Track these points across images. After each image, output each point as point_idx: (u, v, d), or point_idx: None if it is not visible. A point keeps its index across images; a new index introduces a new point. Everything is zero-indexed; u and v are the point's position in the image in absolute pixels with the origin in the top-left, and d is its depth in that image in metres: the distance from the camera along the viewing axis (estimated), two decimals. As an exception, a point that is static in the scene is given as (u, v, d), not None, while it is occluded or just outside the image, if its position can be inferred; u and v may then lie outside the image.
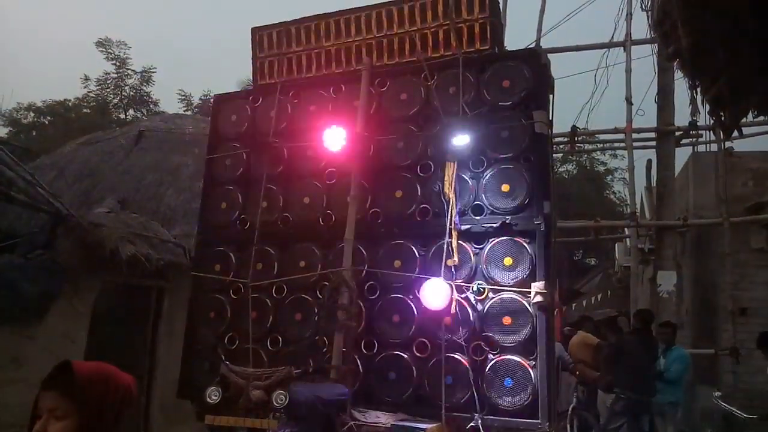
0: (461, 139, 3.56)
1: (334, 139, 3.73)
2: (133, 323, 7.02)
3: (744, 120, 3.49)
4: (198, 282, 4.22)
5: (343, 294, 3.48)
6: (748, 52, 2.62)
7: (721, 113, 3.26)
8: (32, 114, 23.15)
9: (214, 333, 4.01)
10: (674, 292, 9.28)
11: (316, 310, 3.75)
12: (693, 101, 3.52)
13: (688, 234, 10.58)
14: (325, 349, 3.55)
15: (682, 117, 9.51)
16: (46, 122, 22.86)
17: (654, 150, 10.17)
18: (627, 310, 10.58)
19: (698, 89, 3.29)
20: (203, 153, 4.83)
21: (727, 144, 10.31)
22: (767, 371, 6.69)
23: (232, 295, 4.06)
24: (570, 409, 7.61)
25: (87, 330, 6.10)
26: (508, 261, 3.43)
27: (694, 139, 10.60)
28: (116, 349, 6.31)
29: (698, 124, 9.28)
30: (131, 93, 23.50)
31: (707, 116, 3.56)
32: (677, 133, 9.88)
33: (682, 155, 11.52)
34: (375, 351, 3.60)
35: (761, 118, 3.65)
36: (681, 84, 8.86)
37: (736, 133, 3.64)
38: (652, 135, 10.14)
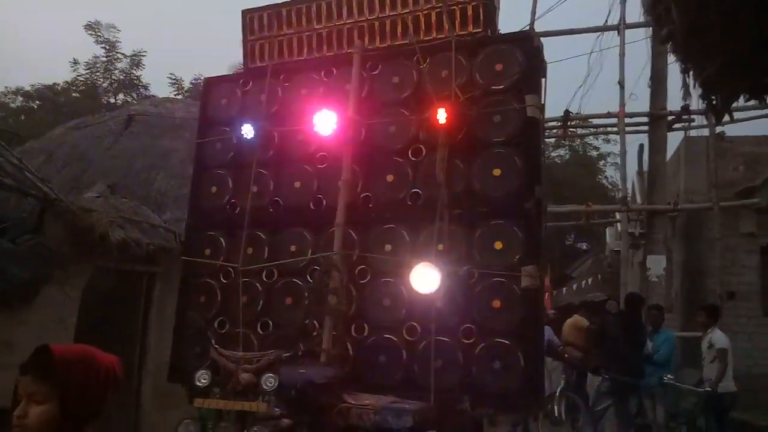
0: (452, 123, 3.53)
1: (326, 122, 3.70)
2: (123, 308, 7.00)
3: (735, 104, 3.49)
4: (188, 267, 4.20)
5: (334, 278, 3.48)
6: (741, 35, 2.61)
7: (713, 97, 3.26)
8: (20, 98, 22.86)
9: (204, 317, 4.00)
10: (664, 276, 9.37)
11: (306, 295, 3.74)
12: (685, 85, 3.51)
13: (678, 218, 10.67)
14: (315, 333, 3.55)
15: (674, 101, 9.54)
16: (35, 106, 22.59)
17: (646, 135, 10.20)
18: (617, 294, 10.68)
19: (690, 73, 3.29)
20: (194, 137, 4.79)
21: (719, 129, 10.36)
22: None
23: (223, 280, 4.04)
24: (558, 391, 7.70)
25: (77, 315, 6.08)
26: (498, 245, 3.43)
27: (686, 124, 10.64)
28: (107, 333, 6.30)
29: (690, 108, 9.31)
30: (121, 77, 23.23)
31: (699, 100, 3.56)
32: (669, 118, 9.90)
33: (674, 140, 11.57)
34: (365, 334, 3.61)
35: (752, 102, 3.65)
36: (674, 68, 8.88)
37: (727, 118, 3.65)
38: (645, 119, 10.16)
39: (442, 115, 3.50)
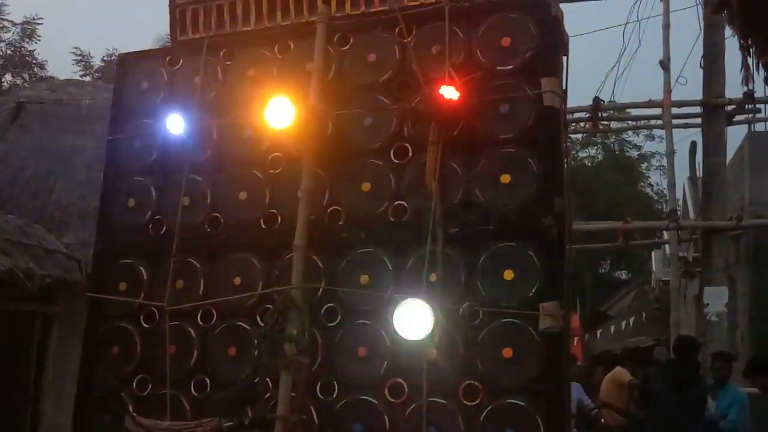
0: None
1: (280, 114, 3.71)
2: (9, 362, 6.89)
3: (811, 89, 3.60)
4: (97, 306, 4.17)
5: (292, 320, 3.47)
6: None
7: (783, 80, 3.35)
8: None
9: (118, 374, 3.96)
10: (726, 313, 9.45)
11: (255, 343, 3.71)
12: (746, 66, 3.60)
13: (743, 238, 10.79)
14: (267, 395, 3.52)
15: (734, 86, 9.67)
16: None
17: (699, 129, 10.35)
18: (667, 338, 10.75)
19: (752, 50, 3.37)
20: (105, 133, 4.78)
21: (793, 121, 10.55)
22: None
23: (144, 324, 4.02)
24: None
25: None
26: (508, 274, 3.45)
27: (751, 115, 10.81)
28: (-14, 397, 6.19)
29: (755, 95, 9.45)
30: (8, 52, 23.04)
31: (765, 85, 3.65)
32: (729, 108, 10.05)
33: (735, 135, 11.74)
34: (335, 395, 3.59)
35: (833, 86, 3.76)
36: (732, 44, 9.07)
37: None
38: (697, 110, 10.31)
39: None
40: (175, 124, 4.03)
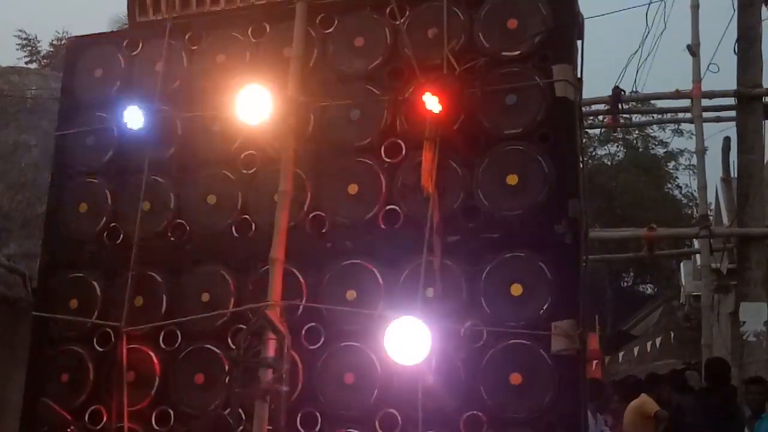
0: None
1: (254, 106, 3.72)
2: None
3: None
4: (43, 327, 4.17)
5: (269, 342, 3.46)
6: None
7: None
8: None
9: (67, 405, 3.94)
10: (765, 332, 9.48)
11: (226, 368, 3.72)
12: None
13: (785, 247, 10.84)
14: (241, 428, 3.51)
15: (773, 75, 9.73)
16: None
17: (734, 123, 10.40)
18: (698, 361, 10.78)
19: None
20: (53, 127, 4.78)
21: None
22: None
23: (97, 347, 4.01)
24: None
25: None
26: (516, 289, 3.46)
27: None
28: None
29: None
30: (-59, 34, 22.99)
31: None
32: (767, 99, 10.10)
33: (775, 130, 11.79)
34: (317, 429, 3.59)
35: None
36: (771, 26, 9.12)
37: None
38: (731, 101, 10.36)
39: (429, 96, 3.54)
40: (134, 118, 4.03)
